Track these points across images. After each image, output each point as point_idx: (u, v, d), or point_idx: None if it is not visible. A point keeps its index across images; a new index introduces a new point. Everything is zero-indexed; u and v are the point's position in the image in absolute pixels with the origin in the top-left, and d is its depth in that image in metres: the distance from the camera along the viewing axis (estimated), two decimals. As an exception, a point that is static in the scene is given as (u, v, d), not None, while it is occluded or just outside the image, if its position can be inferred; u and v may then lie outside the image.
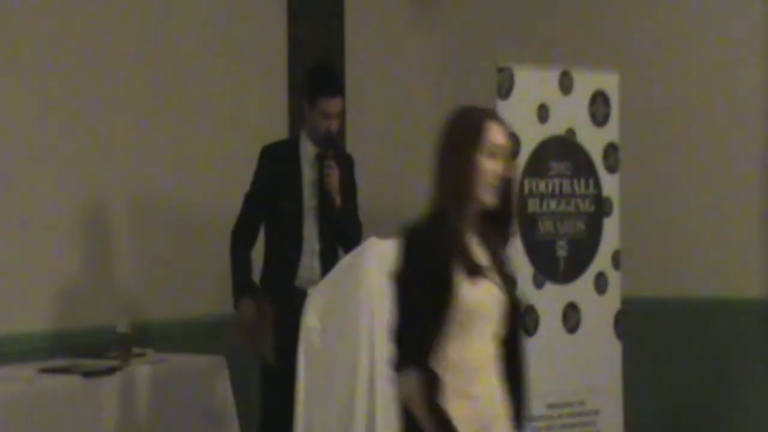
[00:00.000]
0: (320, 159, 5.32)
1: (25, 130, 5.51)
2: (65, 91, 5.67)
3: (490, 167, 3.46)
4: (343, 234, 5.31)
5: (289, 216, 5.33)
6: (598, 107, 6.10)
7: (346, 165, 5.50)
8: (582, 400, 5.99)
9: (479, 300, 3.38)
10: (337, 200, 5.26)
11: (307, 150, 5.37)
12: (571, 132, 6.03)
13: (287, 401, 4.81)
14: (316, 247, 5.31)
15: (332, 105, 5.29)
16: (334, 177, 5.26)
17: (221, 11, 6.47)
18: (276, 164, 5.38)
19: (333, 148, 5.34)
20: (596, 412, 6.03)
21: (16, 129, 5.48)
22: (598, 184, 6.11)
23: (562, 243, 5.99)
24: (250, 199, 5.41)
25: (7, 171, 5.44)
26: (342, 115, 5.44)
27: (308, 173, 5.36)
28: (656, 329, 6.95)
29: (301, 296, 5.12)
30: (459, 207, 3.48)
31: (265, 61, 6.70)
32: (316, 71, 5.57)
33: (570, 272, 6.01)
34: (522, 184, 5.87)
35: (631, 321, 6.34)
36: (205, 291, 6.26)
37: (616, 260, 6.14)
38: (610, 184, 6.14)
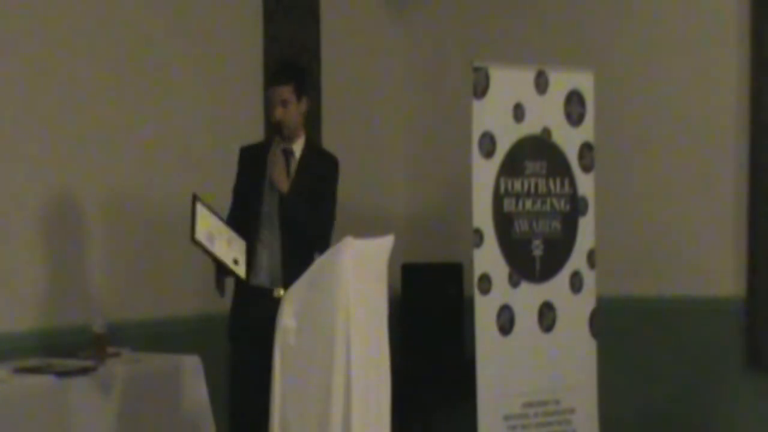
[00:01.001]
0: (286, 153, 5.32)
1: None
2: (38, 87, 5.64)
3: None
4: (293, 223, 5.23)
5: (252, 215, 5.33)
6: (574, 107, 6.12)
7: (324, 164, 5.45)
8: (558, 398, 6.01)
9: None
10: (281, 185, 5.21)
11: (277, 146, 5.35)
12: (546, 131, 6.04)
13: (254, 400, 4.85)
14: (276, 245, 5.29)
15: (275, 93, 5.31)
16: (273, 165, 5.24)
17: (197, 8, 6.45)
18: (247, 165, 5.40)
19: (279, 135, 5.31)
20: (572, 411, 6.05)
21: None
22: (573, 184, 6.13)
23: (537, 242, 6.00)
24: (233, 199, 5.43)
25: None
26: (302, 108, 5.36)
27: (271, 168, 5.34)
28: (631, 328, 6.98)
29: (260, 294, 5.15)
30: None
31: (240, 58, 6.69)
32: (272, 66, 5.57)
33: (545, 271, 6.02)
34: (497, 183, 5.88)
35: (607, 320, 6.37)
36: (181, 291, 6.25)
37: (592, 259, 6.17)
38: (585, 184, 6.16)
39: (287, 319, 4.60)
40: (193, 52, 6.39)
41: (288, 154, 5.32)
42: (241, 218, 5.34)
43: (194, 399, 5.53)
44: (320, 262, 4.78)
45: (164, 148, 6.23)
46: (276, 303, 4.88)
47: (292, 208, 5.21)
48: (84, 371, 5.08)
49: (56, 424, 4.90)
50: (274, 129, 5.33)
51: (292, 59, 5.58)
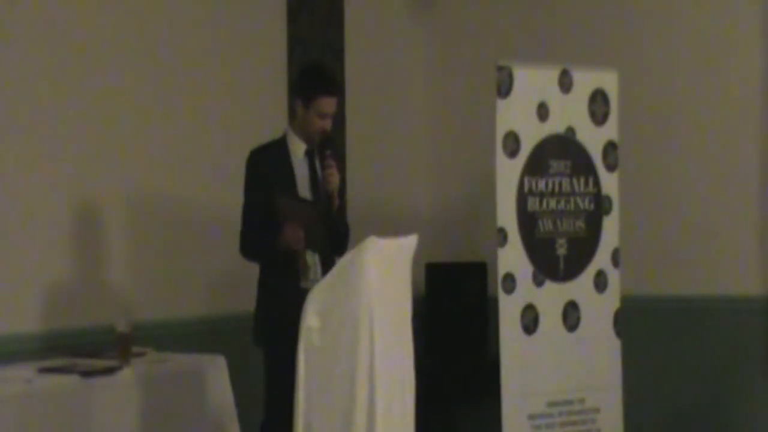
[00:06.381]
0: (311, 156, 5.28)
1: (20, 130, 5.50)
2: (60, 89, 5.66)
3: None
4: (336, 235, 5.27)
5: None
6: (598, 106, 6.10)
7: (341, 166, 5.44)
8: (582, 398, 5.99)
9: None
10: (336, 202, 5.22)
11: (297, 148, 5.32)
12: (570, 130, 6.03)
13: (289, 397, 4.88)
14: (321, 247, 5.25)
15: (330, 104, 5.26)
16: (335, 177, 5.22)
17: (220, 9, 6.46)
18: (267, 167, 5.29)
19: (330, 147, 5.29)
20: (596, 410, 6.04)
21: (11, 129, 5.47)
22: (597, 183, 6.11)
23: (561, 241, 5.99)
24: (249, 211, 5.27)
25: (1, 171, 5.43)
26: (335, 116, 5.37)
27: (300, 171, 5.31)
28: (656, 327, 6.96)
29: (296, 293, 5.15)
30: None
31: (264, 58, 6.69)
32: (313, 69, 5.52)
33: (570, 271, 6.01)
34: (521, 182, 5.87)
35: (631, 319, 6.35)
36: (205, 290, 6.26)
37: (616, 258, 6.15)
38: (609, 183, 6.14)
39: (311, 319, 4.60)
40: (217, 53, 6.40)
41: (323, 159, 5.26)
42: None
43: (219, 399, 5.54)
44: (344, 261, 4.78)
45: (188, 149, 6.25)
46: None
47: (341, 224, 5.24)
48: (108, 371, 5.09)
49: (80, 424, 4.91)
50: (323, 140, 5.24)
51: (324, 63, 5.47)
